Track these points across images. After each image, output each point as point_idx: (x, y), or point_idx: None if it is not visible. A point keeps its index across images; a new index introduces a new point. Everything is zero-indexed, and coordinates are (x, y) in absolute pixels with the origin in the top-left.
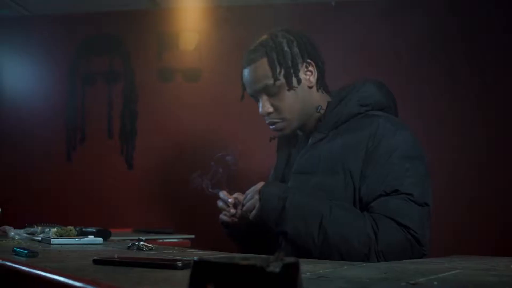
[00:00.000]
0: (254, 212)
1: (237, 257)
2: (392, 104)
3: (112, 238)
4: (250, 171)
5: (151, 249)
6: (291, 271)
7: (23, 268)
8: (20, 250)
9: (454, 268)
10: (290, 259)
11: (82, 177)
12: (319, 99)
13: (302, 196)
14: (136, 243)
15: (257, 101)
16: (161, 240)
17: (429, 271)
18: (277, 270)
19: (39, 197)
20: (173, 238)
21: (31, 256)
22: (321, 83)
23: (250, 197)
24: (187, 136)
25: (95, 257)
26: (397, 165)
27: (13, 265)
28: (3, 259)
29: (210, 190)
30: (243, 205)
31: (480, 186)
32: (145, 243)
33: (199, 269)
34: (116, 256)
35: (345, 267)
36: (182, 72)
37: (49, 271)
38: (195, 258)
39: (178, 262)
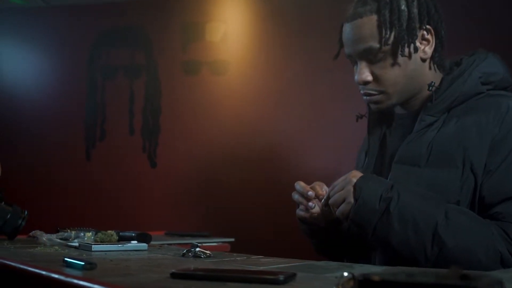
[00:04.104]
0: (343, 206)
1: (402, 272)
2: None
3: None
4: (291, 168)
5: (209, 256)
6: None
7: (97, 287)
8: (73, 261)
9: None
10: (492, 275)
11: (102, 176)
12: (431, 77)
13: (409, 195)
14: (192, 249)
15: (354, 63)
16: (199, 245)
17: None
18: None
19: (57, 198)
20: (212, 242)
21: (89, 268)
22: (438, 57)
23: (340, 188)
24: (214, 132)
25: (173, 270)
26: None
27: (78, 281)
28: (58, 273)
29: None
30: (328, 197)
31: None
32: (201, 249)
33: None
34: (192, 267)
35: None
36: (208, 65)
37: None
38: (361, 277)
39: (280, 276)
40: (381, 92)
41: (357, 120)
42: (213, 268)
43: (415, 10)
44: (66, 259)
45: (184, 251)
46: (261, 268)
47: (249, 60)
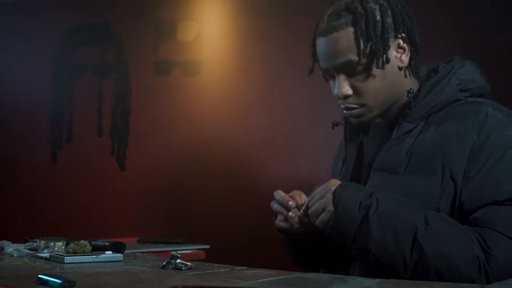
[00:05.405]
0: (323, 215)
1: None
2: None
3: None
4: (266, 173)
5: (190, 268)
6: None
7: None
8: (49, 279)
9: None
10: None
11: (69, 179)
12: (408, 84)
13: (389, 202)
14: (172, 261)
15: (330, 78)
16: (174, 252)
17: None
18: None
19: (21, 203)
20: (186, 249)
21: (67, 286)
22: (414, 64)
23: (319, 197)
24: (186, 134)
25: None
26: None
27: None
28: None
29: None
30: (307, 207)
31: None
32: (182, 261)
33: None
34: (180, 286)
35: None
36: (180, 65)
37: None
38: None
39: None
40: (362, 105)
41: (333, 128)
42: (202, 285)
43: (389, 20)
44: (40, 276)
45: (164, 263)
46: (250, 283)
47: (223, 61)
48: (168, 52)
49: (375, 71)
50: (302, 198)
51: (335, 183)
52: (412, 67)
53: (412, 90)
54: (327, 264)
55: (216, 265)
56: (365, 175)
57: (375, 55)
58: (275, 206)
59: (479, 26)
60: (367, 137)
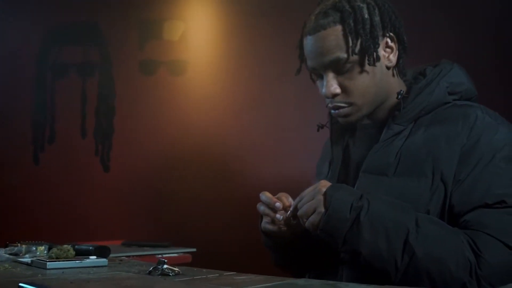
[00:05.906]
0: (313, 217)
1: None
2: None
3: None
4: (253, 175)
5: (178, 273)
6: None
7: None
8: (30, 287)
9: None
10: None
11: (51, 181)
12: (396, 84)
13: (380, 204)
14: (159, 266)
15: (317, 77)
16: (160, 256)
17: None
18: None
19: (0, 206)
20: (173, 253)
21: None
22: (401, 64)
23: (309, 198)
24: (171, 135)
25: None
26: (503, 169)
27: None
28: None
29: None
30: (296, 209)
31: None
32: (169, 266)
33: None
34: None
35: None
36: (166, 65)
37: None
38: None
39: None
40: (350, 104)
41: (318, 130)
42: None
43: (377, 18)
44: (21, 284)
45: (151, 269)
46: None
47: (209, 60)
48: (154, 52)
49: (364, 69)
50: (289, 200)
51: (325, 184)
52: (399, 67)
53: (401, 92)
54: (313, 268)
55: (204, 270)
56: (353, 177)
57: (366, 52)
58: (261, 208)
59: (475, 26)
60: (353, 139)
